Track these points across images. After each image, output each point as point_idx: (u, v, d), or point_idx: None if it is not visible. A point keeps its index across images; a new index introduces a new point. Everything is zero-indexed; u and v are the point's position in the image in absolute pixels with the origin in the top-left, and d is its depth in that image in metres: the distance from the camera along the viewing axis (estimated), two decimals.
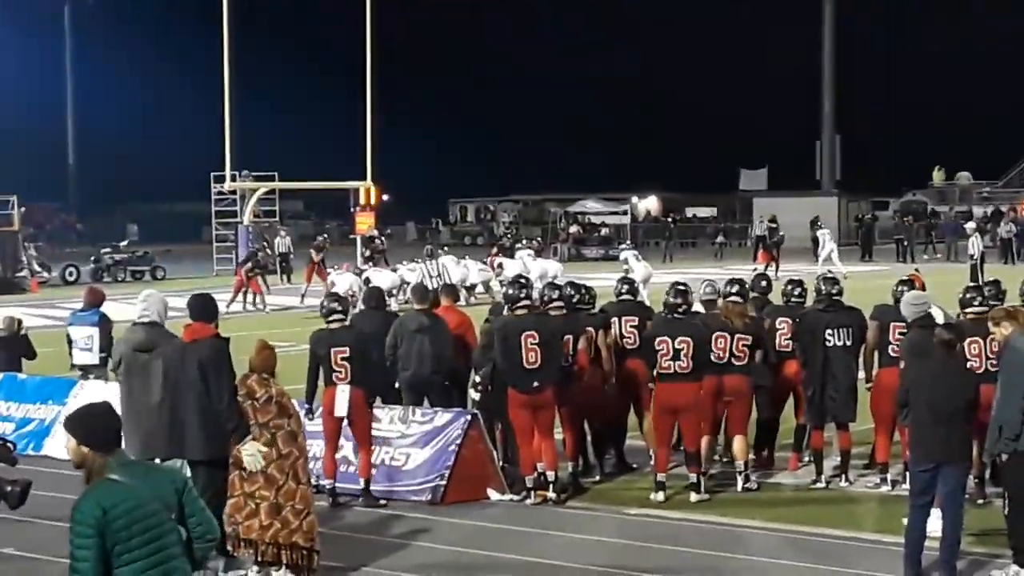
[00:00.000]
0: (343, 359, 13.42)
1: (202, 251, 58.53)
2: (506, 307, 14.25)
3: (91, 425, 6.62)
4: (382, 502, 13.70)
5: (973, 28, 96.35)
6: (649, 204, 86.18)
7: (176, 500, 6.60)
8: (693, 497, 13.64)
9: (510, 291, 14.22)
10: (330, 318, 13.84)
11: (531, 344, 13.50)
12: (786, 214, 61.77)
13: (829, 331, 13.95)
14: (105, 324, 16.65)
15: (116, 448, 6.61)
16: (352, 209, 57.02)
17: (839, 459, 14.26)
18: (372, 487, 13.84)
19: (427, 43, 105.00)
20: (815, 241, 49.46)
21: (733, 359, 14.17)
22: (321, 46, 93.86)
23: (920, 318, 12.85)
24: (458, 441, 13.83)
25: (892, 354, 13.65)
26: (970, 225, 47.76)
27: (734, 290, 14.61)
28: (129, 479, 6.48)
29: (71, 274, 48.98)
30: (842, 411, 14.01)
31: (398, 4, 72.39)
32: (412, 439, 14.12)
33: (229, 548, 10.96)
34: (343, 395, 13.36)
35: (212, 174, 51.15)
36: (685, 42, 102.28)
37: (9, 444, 7.40)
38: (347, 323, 13.99)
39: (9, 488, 6.79)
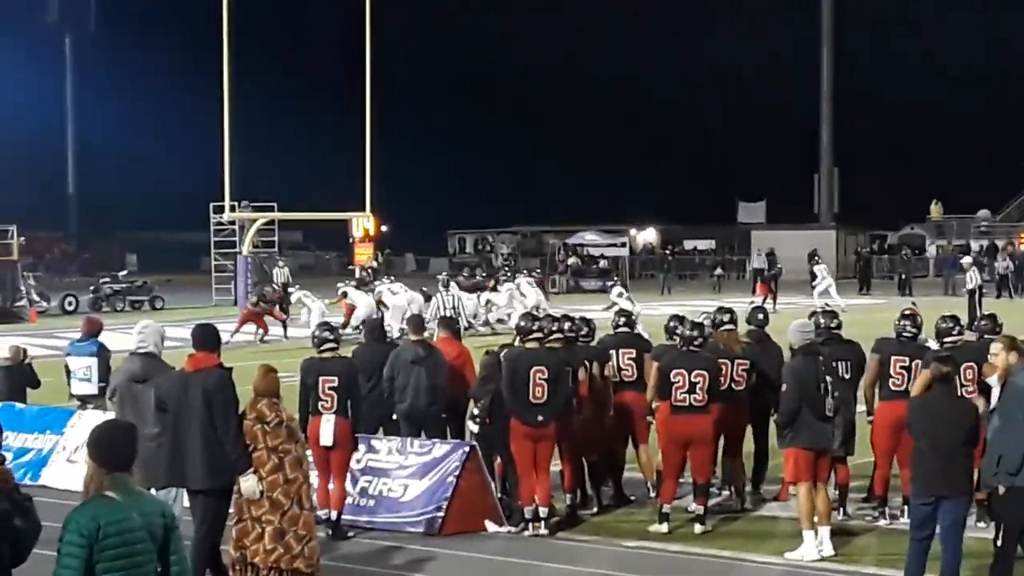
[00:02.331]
0: (331, 388, 13.44)
1: (201, 281, 58.50)
2: (517, 338, 14.26)
3: (101, 441, 6.70)
4: (350, 535, 13.64)
5: (972, 63, 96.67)
6: (647, 236, 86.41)
7: (162, 533, 6.60)
8: (698, 528, 13.68)
9: (522, 323, 14.28)
10: (322, 347, 13.88)
11: (540, 379, 13.55)
12: (784, 247, 61.88)
13: None
14: (103, 354, 16.66)
15: (121, 470, 6.62)
16: (351, 240, 57.13)
17: (837, 492, 14.25)
18: (371, 518, 13.87)
19: (427, 75, 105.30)
20: (813, 275, 49.48)
21: (733, 384, 14.42)
22: (320, 77, 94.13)
23: (805, 345, 13.05)
24: (456, 473, 13.82)
25: (892, 388, 13.72)
26: (966, 259, 47.80)
27: (726, 318, 14.91)
28: (127, 501, 6.52)
29: (70, 304, 48.97)
30: (840, 444, 14.00)
31: (398, 35, 72.61)
32: (410, 470, 14.11)
33: (231, 574, 10.96)
34: (328, 425, 13.35)
35: (211, 204, 51.21)
36: (684, 75, 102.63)
37: None
38: (339, 353, 13.99)
39: None
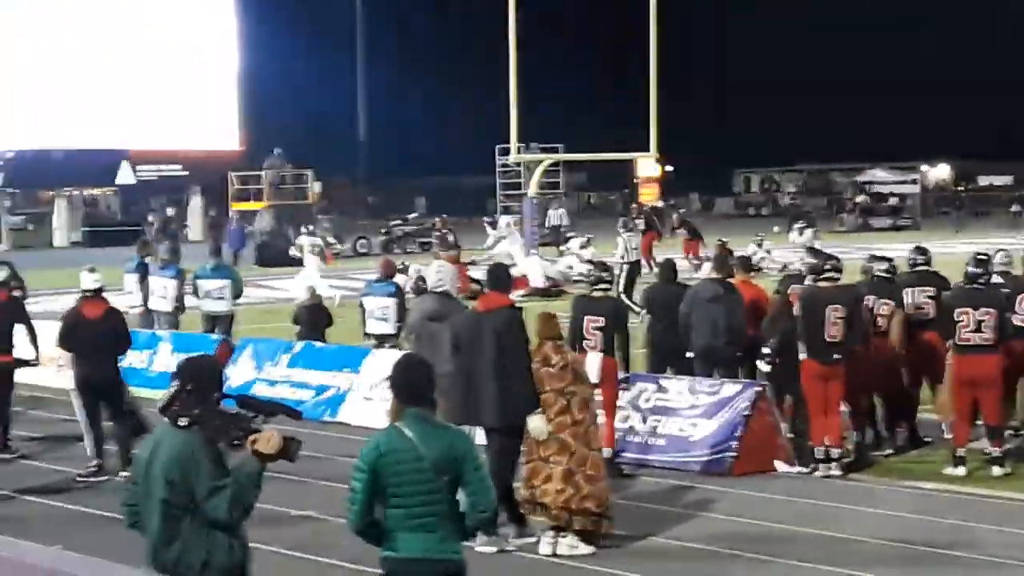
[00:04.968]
0: (596, 328, 13.49)
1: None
2: (809, 277, 14.01)
3: (396, 376, 7.05)
4: (625, 472, 13.63)
5: None
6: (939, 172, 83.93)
7: (452, 465, 6.82)
8: (996, 471, 13.27)
9: (814, 260, 14.03)
10: (595, 285, 13.99)
11: (835, 317, 13.31)
12: None
13: None
14: (400, 295, 17.05)
15: (417, 402, 6.94)
16: (635, 180, 57.14)
17: None
18: (661, 457, 13.91)
19: (711, 11, 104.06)
20: None
21: None
22: (603, 17, 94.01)
23: None
24: (746, 412, 13.72)
25: None
26: None
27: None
28: (414, 433, 6.82)
29: (363, 246, 50.33)
30: None
31: None
32: (700, 410, 14.06)
33: (522, 512, 11.11)
34: (594, 362, 13.32)
35: (497, 147, 51.73)
36: (972, 4, 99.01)
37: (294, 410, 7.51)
38: (609, 293, 14.02)
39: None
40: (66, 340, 14.38)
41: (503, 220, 32.97)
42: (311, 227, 40.21)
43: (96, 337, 14.08)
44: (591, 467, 11.07)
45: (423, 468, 6.77)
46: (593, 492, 11.01)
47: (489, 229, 31.82)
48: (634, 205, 52.76)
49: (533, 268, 32.52)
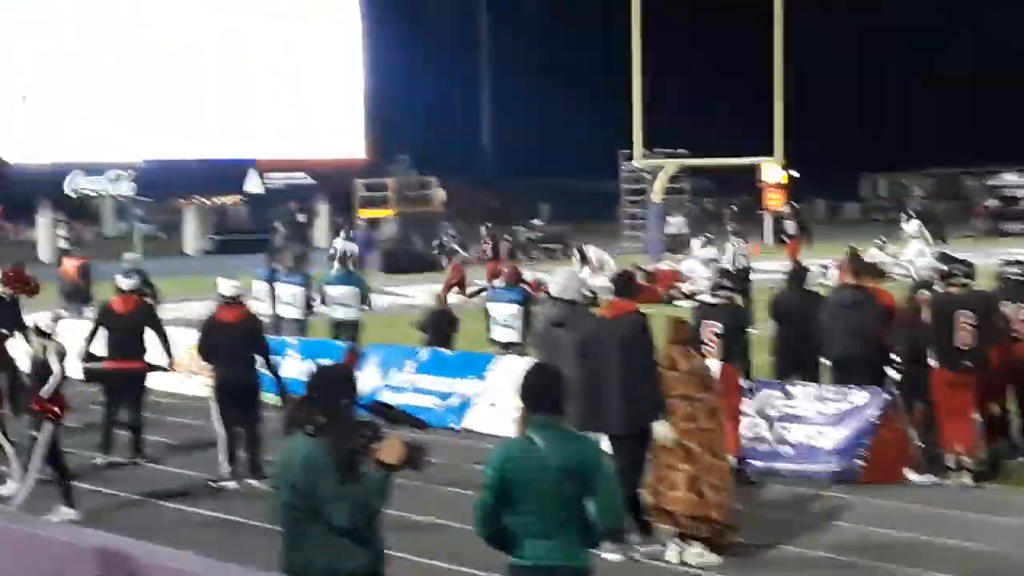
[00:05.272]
0: (715, 333, 13.39)
1: (613, 230, 58.94)
2: (938, 283, 13.80)
3: (525, 384, 7.09)
4: (752, 481, 13.49)
5: None
6: None
7: (580, 472, 6.83)
8: None
9: (944, 266, 13.85)
10: (716, 291, 13.94)
11: (966, 323, 13.10)
12: None
13: None
14: (527, 301, 17.07)
15: (547, 410, 6.97)
16: (759, 184, 56.68)
17: None
18: (788, 465, 13.78)
19: (839, 12, 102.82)
20: None
21: None
22: (728, 17, 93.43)
23: None
24: (875, 420, 13.57)
25: None
26: None
27: None
28: (541, 441, 6.85)
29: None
30: None
31: None
32: (827, 417, 13.91)
33: (648, 519, 11.07)
34: (713, 369, 13.15)
35: (621, 152, 51.58)
36: None
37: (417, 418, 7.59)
38: (728, 301, 13.90)
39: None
40: (203, 347, 14.60)
41: (592, 254, 32.06)
42: (351, 232, 40.58)
43: (231, 340, 14.27)
44: (717, 476, 11.00)
45: (551, 476, 6.80)
46: (717, 501, 10.94)
47: (578, 263, 30.62)
48: (725, 210, 52.59)
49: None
